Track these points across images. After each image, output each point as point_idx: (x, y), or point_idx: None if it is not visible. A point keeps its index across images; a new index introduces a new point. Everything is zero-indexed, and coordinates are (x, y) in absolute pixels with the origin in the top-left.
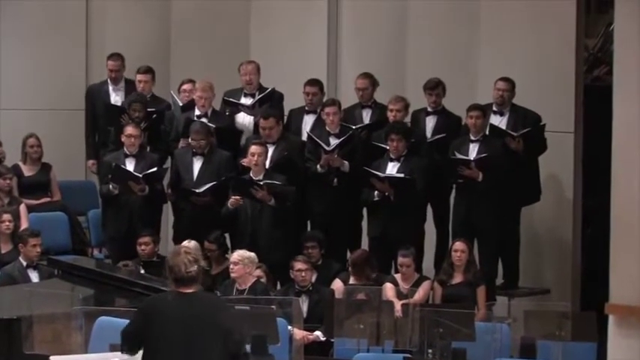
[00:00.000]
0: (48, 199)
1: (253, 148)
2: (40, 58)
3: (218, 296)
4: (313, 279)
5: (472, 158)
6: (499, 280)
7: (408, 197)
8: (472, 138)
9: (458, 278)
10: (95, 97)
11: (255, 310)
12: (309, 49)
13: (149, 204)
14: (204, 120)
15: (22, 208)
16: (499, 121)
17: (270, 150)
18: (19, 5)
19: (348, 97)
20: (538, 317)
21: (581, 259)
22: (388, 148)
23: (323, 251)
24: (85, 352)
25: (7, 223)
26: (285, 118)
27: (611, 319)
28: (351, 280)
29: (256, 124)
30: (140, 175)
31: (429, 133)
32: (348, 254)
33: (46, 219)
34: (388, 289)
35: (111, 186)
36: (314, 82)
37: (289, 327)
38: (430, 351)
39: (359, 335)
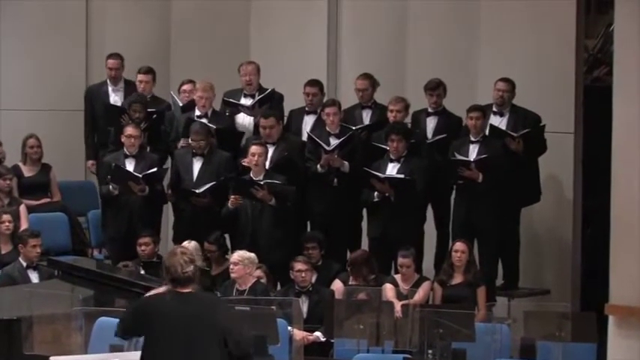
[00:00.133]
0: (48, 200)
1: (253, 149)
2: (40, 58)
3: (216, 296)
4: (313, 279)
5: (472, 159)
6: (499, 281)
7: (408, 198)
8: (472, 139)
9: (458, 279)
10: (94, 97)
11: (256, 311)
12: (309, 49)
13: (149, 204)
14: (204, 120)
15: (22, 208)
16: (499, 122)
17: (270, 150)
18: (19, 5)
19: (348, 98)
20: (538, 318)
21: (581, 260)
22: (388, 148)
23: (323, 252)
24: (85, 352)
25: (7, 224)
26: (286, 118)
27: (611, 319)
28: (350, 280)
29: (256, 125)
30: (140, 176)
31: (429, 133)
32: (348, 255)
33: (46, 219)
34: (388, 289)
35: (111, 186)
36: (314, 83)
37: (289, 327)
38: (430, 351)
39: (359, 336)
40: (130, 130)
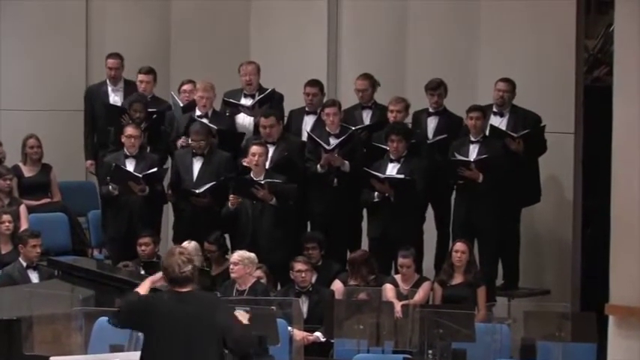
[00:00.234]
0: (48, 200)
1: (254, 148)
2: (40, 58)
3: (215, 295)
4: (313, 280)
5: (472, 159)
6: (499, 281)
7: (408, 198)
8: (472, 139)
9: (458, 279)
10: (94, 97)
11: (256, 311)
12: (309, 50)
13: (149, 204)
14: (204, 120)
15: (22, 208)
16: (499, 122)
17: (270, 150)
18: (19, 5)
19: (348, 98)
20: (538, 318)
21: (581, 260)
22: (388, 148)
23: (323, 252)
24: (85, 352)
25: (7, 224)
26: (286, 118)
27: (611, 319)
28: (349, 281)
29: (256, 125)
30: (140, 176)
31: (430, 133)
32: (348, 255)
33: (46, 220)
34: (388, 289)
35: (111, 187)
36: (314, 83)
37: (289, 328)
38: (430, 352)
39: (359, 336)
40: (130, 130)
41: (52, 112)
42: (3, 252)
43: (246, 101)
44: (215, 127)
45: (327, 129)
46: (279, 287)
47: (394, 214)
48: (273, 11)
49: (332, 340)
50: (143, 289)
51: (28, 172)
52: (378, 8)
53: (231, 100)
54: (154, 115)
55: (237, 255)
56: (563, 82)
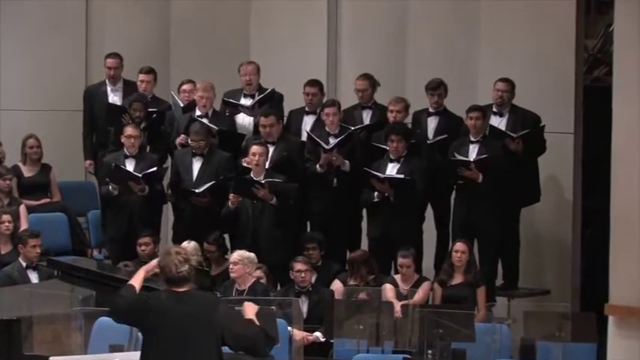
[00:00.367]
0: (48, 200)
1: (255, 148)
2: (40, 58)
3: (213, 294)
4: (313, 280)
5: (472, 159)
6: (499, 281)
7: (408, 198)
8: (472, 139)
9: (458, 279)
10: (93, 97)
11: None
12: (309, 50)
13: (149, 204)
14: (205, 120)
15: (22, 208)
16: (498, 122)
17: (270, 150)
18: (19, 5)
19: (348, 98)
20: (538, 318)
21: (581, 260)
22: (388, 148)
23: (323, 252)
24: (85, 352)
25: (7, 224)
26: (285, 118)
27: (610, 319)
28: (349, 280)
29: (256, 125)
30: (140, 175)
31: (430, 133)
32: (348, 255)
33: (46, 220)
34: (388, 289)
35: (110, 187)
36: (314, 83)
37: (289, 328)
38: (430, 352)
39: (359, 336)
40: (129, 130)
41: (52, 112)
42: (3, 252)
43: (245, 101)
44: (215, 128)
45: (327, 129)
46: (279, 287)
47: (394, 214)
48: (273, 11)
49: (332, 340)
50: (137, 280)
51: (27, 172)
52: (378, 8)
53: (230, 100)
54: (154, 115)
55: (237, 254)
56: (563, 82)
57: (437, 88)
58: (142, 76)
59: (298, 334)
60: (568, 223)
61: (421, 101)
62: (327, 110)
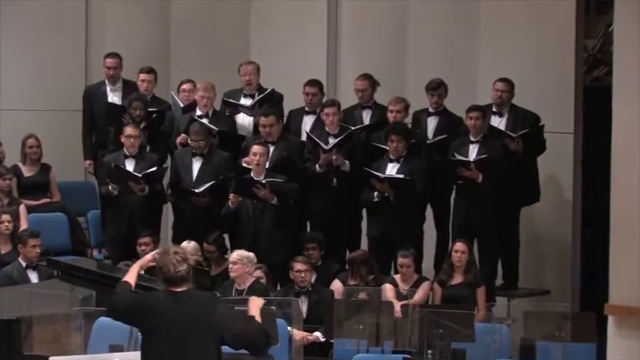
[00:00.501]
0: (47, 200)
1: (255, 148)
2: (40, 58)
3: (212, 294)
4: (313, 280)
5: (472, 159)
6: (499, 281)
7: (408, 198)
8: (472, 139)
9: (458, 279)
10: (92, 97)
11: None
12: (309, 50)
13: (149, 204)
14: (205, 120)
15: (22, 208)
16: (498, 122)
17: (270, 150)
18: (19, 5)
19: (348, 98)
20: (538, 318)
21: (581, 260)
22: (388, 148)
23: (323, 252)
24: (85, 352)
25: (7, 224)
26: (285, 118)
27: (610, 319)
28: (349, 280)
29: (256, 125)
30: (140, 175)
31: (430, 133)
32: (348, 255)
33: (46, 220)
34: (388, 289)
35: (110, 187)
36: (314, 83)
37: (289, 328)
38: (430, 352)
39: (358, 336)
40: (129, 130)
41: (52, 112)
42: (2, 252)
43: (245, 101)
44: (215, 128)
45: (327, 129)
46: (278, 287)
47: (394, 214)
48: (273, 11)
49: (331, 340)
50: (132, 276)
51: (27, 172)
52: (378, 8)
53: (230, 100)
54: (154, 115)
55: (236, 254)
56: (563, 82)
57: (437, 88)
58: (142, 76)
59: (298, 334)
60: (568, 223)
61: (421, 101)
62: (326, 110)
